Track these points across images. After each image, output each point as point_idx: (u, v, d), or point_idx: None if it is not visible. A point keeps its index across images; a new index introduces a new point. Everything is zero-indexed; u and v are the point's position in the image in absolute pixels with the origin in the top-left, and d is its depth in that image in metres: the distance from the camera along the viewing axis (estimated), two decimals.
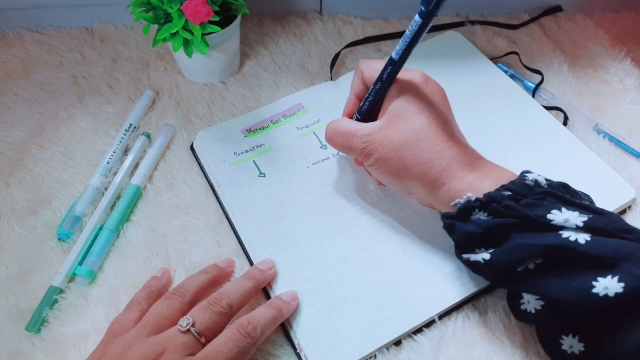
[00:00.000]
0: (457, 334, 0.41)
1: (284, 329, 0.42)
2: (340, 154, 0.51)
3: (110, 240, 0.47)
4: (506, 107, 0.54)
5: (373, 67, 0.43)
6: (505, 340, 0.41)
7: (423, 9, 0.36)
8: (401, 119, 0.40)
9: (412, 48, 0.39)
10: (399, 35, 0.63)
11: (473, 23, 0.63)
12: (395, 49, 0.40)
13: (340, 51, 0.61)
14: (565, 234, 0.34)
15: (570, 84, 0.58)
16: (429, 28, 0.38)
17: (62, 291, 0.44)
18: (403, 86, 0.41)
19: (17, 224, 0.48)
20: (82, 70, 0.60)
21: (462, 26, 0.63)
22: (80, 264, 0.45)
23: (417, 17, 0.37)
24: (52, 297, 0.43)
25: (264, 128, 0.53)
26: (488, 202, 0.37)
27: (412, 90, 0.41)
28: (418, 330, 0.41)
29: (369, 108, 0.43)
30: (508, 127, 0.52)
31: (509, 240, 0.36)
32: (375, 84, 0.42)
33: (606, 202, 0.46)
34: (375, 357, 0.40)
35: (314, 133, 0.53)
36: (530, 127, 0.52)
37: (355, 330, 0.40)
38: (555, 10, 0.65)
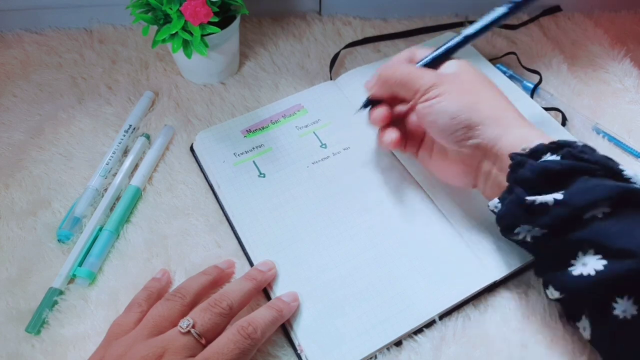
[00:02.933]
0: (457, 334, 0.41)
1: (284, 330, 0.42)
2: (342, 152, 0.51)
3: (110, 241, 0.47)
4: None
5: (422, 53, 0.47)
6: (505, 341, 0.41)
7: (513, 2, 0.44)
8: (472, 72, 0.43)
9: (487, 31, 0.45)
10: (398, 35, 0.63)
11: (472, 23, 0.63)
12: (471, 26, 0.45)
13: (339, 51, 0.61)
14: (637, 184, 0.35)
15: (570, 84, 0.58)
16: (507, 19, 0.44)
17: (61, 292, 0.44)
18: (461, 64, 0.44)
19: (17, 225, 0.48)
20: (81, 71, 0.60)
21: (461, 26, 0.63)
22: (80, 265, 0.45)
23: (503, 7, 0.44)
24: (52, 299, 0.43)
25: (263, 128, 0.53)
26: (562, 146, 0.37)
27: (471, 66, 0.44)
28: (418, 331, 0.41)
29: (431, 62, 0.45)
30: None
31: (581, 182, 0.35)
32: (449, 42, 0.45)
33: None
34: (376, 357, 0.40)
35: (314, 132, 0.53)
36: None
37: (355, 331, 0.40)
38: (554, 10, 0.65)
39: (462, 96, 0.41)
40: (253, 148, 0.52)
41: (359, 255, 0.44)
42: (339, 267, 0.44)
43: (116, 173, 0.51)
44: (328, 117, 0.54)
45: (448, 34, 0.61)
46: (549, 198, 0.36)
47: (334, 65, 0.60)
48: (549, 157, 0.37)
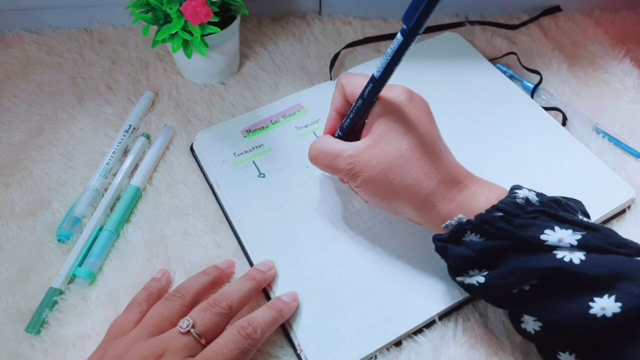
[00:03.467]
0: (457, 335, 0.41)
1: (284, 330, 0.42)
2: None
3: (110, 241, 0.47)
4: (505, 108, 0.54)
5: (354, 82, 0.41)
6: (505, 341, 0.41)
7: (404, 26, 0.35)
8: (386, 139, 0.39)
9: (394, 66, 0.37)
10: None
11: (472, 23, 0.64)
12: (376, 66, 0.38)
13: (340, 51, 0.61)
14: (559, 254, 0.34)
15: (570, 84, 0.58)
16: (411, 46, 0.36)
17: (61, 292, 0.44)
18: (386, 104, 0.40)
19: (17, 225, 0.48)
20: (81, 71, 0.60)
21: (461, 26, 0.63)
22: (80, 265, 0.45)
23: (398, 35, 0.36)
24: (52, 298, 0.43)
25: (263, 128, 0.53)
26: (480, 224, 0.36)
27: (396, 109, 0.39)
28: (418, 331, 0.41)
29: (350, 125, 0.42)
30: (506, 128, 0.52)
31: (503, 261, 0.36)
32: (357, 101, 0.40)
33: (605, 202, 0.47)
34: (376, 357, 0.40)
35: (314, 132, 0.53)
36: (528, 128, 0.52)
37: (355, 331, 0.40)
38: (554, 10, 0.65)
39: (380, 186, 0.39)
40: (253, 148, 0.52)
41: (359, 255, 0.44)
42: (338, 267, 0.44)
43: (116, 173, 0.51)
44: None
45: (447, 33, 0.61)
46: (473, 281, 0.37)
47: (334, 65, 0.60)
48: (470, 236, 0.37)
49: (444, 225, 0.38)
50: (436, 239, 0.39)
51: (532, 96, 0.56)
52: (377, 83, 0.39)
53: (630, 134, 0.53)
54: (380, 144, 0.39)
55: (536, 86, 0.57)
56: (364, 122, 0.41)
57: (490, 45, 0.62)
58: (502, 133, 0.52)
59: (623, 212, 0.48)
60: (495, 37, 0.62)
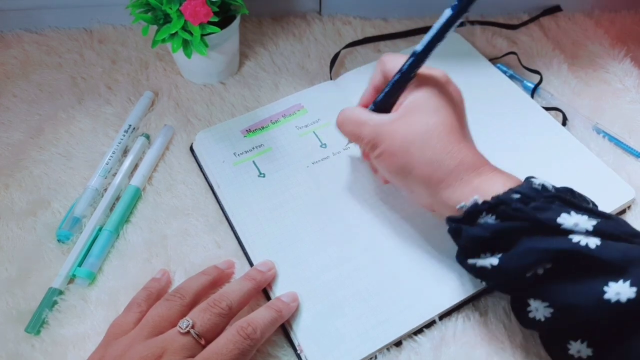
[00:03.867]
0: (457, 335, 0.41)
1: (284, 330, 0.42)
2: (344, 150, 0.50)
3: (110, 242, 0.47)
4: (505, 108, 0.54)
5: (396, 60, 0.42)
6: (505, 341, 0.41)
7: (457, 1, 0.36)
8: (416, 113, 0.39)
9: (438, 42, 0.38)
10: (398, 35, 0.63)
11: (472, 23, 0.63)
12: (420, 41, 0.39)
13: (340, 51, 0.61)
14: (575, 238, 0.34)
15: (570, 84, 0.58)
16: (458, 23, 0.37)
17: (61, 292, 0.44)
18: (424, 81, 0.40)
19: (16, 225, 0.48)
20: (80, 71, 0.60)
21: (461, 26, 0.63)
22: (80, 265, 0.45)
23: (447, 10, 0.36)
24: (52, 299, 0.43)
25: (263, 128, 0.53)
26: (496, 205, 0.36)
27: (433, 87, 0.40)
28: (418, 331, 0.41)
29: (384, 99, 0.42)
30: (507, 127, 0.52)
31: (516, 244, 0.35)
32: (395, 75, 0.41)
33: (605, 202, 0.46)
34: (376, 357, 0.40)
35: (314, 132, 0.53)
36: (529, 128, 0.52)
37: (355, 331, 0.40)
38: (555, 9, 0.65)
39: (399, 158, 0.39)
40: (253, 148, 0.51)
41: (359, 256, 0.44)
42: (338, 268, 0.44)
43: (116, 173, 0.51)
44: (328, 116, 0.54)
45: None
46: (486, 263, 0.37)
47: (334, 65, 0.60)
48: (485, 218, 0.36)
49: (458, 206, 0.38)
50: (450, 219, 0.39)
51: (532, 96, 0.56)
52: (418, 57, 0.39)
53: (630, 134, 0.53)
54: (409, 117, 0.40)
55: (536, 86, 0.57)
56: (396, 100, 0.41)
57: (490, 45, 0.62)
58: (503, 133, 0.52)
59: (623, 212, 0.48)
60: (495, 37, 0.62)
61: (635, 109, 0.55)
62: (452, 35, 0.61)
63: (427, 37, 0.38)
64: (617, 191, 0.48)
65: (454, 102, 0.40)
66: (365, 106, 0.45)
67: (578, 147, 0.51)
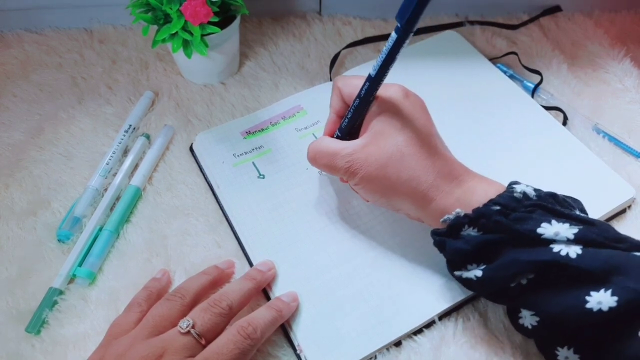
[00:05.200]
0: (457, 335, 0.41)
1: (284, 330, 0.42)
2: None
3: (110, 241, 0.47)
4: (505, 108, 0.54)
5: (351, 83, 0.42)
6: (505, 341, 0.41)
7: (398, 24, 0.35)
8: (383, 136, 0.39)
9: (390, 65, 0.38)
10: None
11: (472, 23, 0.63)
12: (372, 65, 0.39)
13: (340, 51, 0.61)
14: (556, 248, 0.34)
15: (570, 84, 0.58)
16: (406, 44, 0.36)
17: (61, 292, 0.44)
18: (383, 102, 0.40)
19: (17, 225, 0.48)
20: (81, 71, 0.60)
21: (461, 26, 0.63)
22: (80, 265, 0.45)
23: (393, 34, 0.36)
24: (52, 298, 0.43)
25: (262, 129, 0.53)
26: (477, 218, 0.36)
27: (392, 107, 0.40)
28: (418, 331, 0.41)
29: (348, 125, 0.42)
30: (507, 127, 0.52)
31: (500, 255, 0.36)
32: (354, 101, 0.41)
33: (605, 201, 0.47)
34: (375, 357, 0.40)
35: (313, 134, 0.53)
36: (529, 127, 0.52)
37: (355, 331, 0.40)
38: (554, 10, 0.65)
39: (378, 182, 0.40)
40: (252, 149, 0.52)
41: (359, 256, 0.44)
42: (338, 268, 0.44)
43: (116, 173, 0.51)
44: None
45: (447, 32, 0.61)
46: (470, 275, 0.37)
47: (334, 66, 0.60)
48: (466, 230, 0.37)
49: (442, 219, 0.38)
50: (434, 233, 0.39)
51: (532, 96, 0.56)
52: (374, 82, 0.39)
53: (630, 133, 0.53)
54: (377, 140, 0.40)
55: (536, 86, 0.57)
56: (361, 122, 0.42)
57: (490, 45, 0.62)
58: (503, 132, 0.52)
59: (623, 211, 0.48)
60: (495, 37, 0.62)
61: (635, 109, 0.56)
62: (452, 35, 0.62)
63: (378, 61, 0.38)
64: (617, 191, 0.48)
65: (417, 115, 0.40)
66: (331, 134, 0.45)
67: (578, 146, 0.51)
